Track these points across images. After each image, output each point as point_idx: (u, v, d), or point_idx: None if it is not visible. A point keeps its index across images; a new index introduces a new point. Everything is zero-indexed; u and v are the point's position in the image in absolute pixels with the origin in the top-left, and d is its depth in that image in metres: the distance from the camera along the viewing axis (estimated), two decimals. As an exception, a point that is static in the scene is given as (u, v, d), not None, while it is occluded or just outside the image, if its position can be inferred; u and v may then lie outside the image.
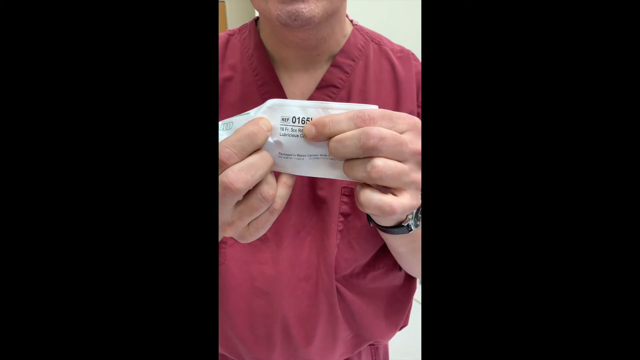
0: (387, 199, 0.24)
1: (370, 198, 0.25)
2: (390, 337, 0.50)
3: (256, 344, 0.44)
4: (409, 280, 0.49)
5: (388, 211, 0.24)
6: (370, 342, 0.48)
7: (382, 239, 0.41)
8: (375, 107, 0.25)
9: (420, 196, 0.26)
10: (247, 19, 0.45)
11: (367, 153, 0.24)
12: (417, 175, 0.25)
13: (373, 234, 0.41)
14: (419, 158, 0.25)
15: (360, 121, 0.24)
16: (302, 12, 0.31)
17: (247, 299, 0.42)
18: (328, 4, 0.33)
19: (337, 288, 0.43)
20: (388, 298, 0.47)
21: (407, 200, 0.25)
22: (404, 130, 0.24)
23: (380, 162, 0.23)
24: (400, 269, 0.46)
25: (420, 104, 0.42)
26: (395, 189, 0.25)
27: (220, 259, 0.42)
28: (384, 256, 0.44)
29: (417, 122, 0.25)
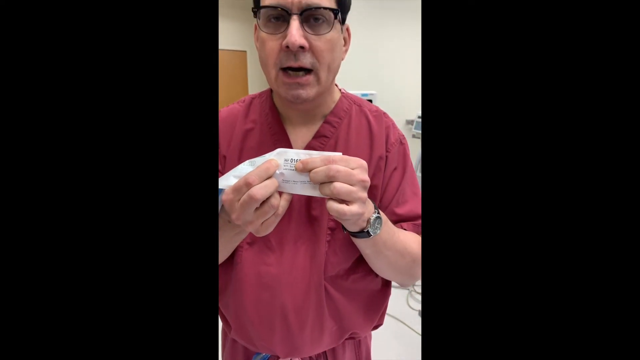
0: (342, 206, 0.40)
1: (333, 206, 0.40)
2: (366, 331, 0.62)
3: (261, 328, 0.56)
4: (385, 286, 0.62)
5: (342, 213, 0.39)
6: (350, 333, 0.60)
7: (358, 249, 0.55)
8: (340, 154, 0.40)
9: (364, 206, 0.41)
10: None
11: (330, 179, 0.39)
12: (362, 194, 0.40)
13: (352, 244, 0.55)
14: (364, 184, 0.40)
15: (327, 161, 0.39)
16: (301, 95, 0.49)
17: (256, 291, 0.56)
18: (319, 88, 0.50)
19: (325, 286, 0.56)
20: (366, 299, 0.60)
21: (355, 209, 0.40)
22: (354, 167, 0.40)
23: (338, 185, 0.39)
24: (376, 275, 0.60)
25: (388, 149, 0.58)
26: (348, 201, 0.40)
27: (237, 260, 0.57)
28: (362, 264, 0.58)
29: (364, 162, 0.41)
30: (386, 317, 1.90)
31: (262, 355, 0.62)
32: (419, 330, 1.81)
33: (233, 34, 3.37)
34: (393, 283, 0.63)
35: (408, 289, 2.15)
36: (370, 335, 0.71)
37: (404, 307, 2.03)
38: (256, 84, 3.61)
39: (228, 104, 0.62)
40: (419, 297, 2.13)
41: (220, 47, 3.30)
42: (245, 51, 3.48)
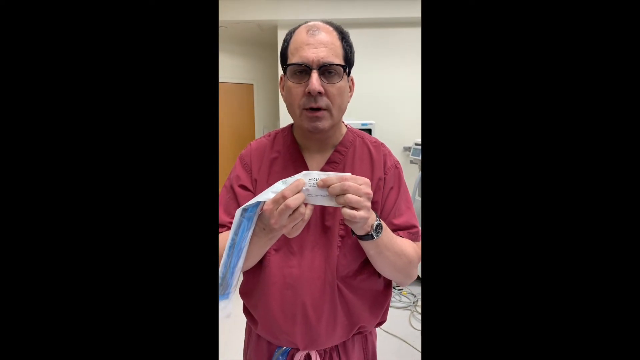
0: (353, 212, 0.53)
1: (346, 212, 0.53)
2: (372, 325, 0.73)
3: (285, 322, 0.67)
4: (387, 287, 0.74)
5: (353, 216, 0.52)
6: (359, 327, 0.71)
7: (364, 253, 0.67)
8: (350, 174, 0.54)
9: (369, 213, 0.54)
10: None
11: (343, 192, 0.52)
12: (367, 203, 0.53)
13: (358, 250, 0.67)
14: (368, 196, 0.53)
15: (341, 179, 0.53)
16: (319, 126, 0.63)
17: (281, 290, 0.67)
18: (332, 121, 0.65)
19: (337, 285, 0.68)
20: (371, 297, 0.71)
21: (362, 214, 0.53)
22: (361, 183, 0.53)
23: (349, 196, 0.52)
24: (379, 276, 0.71)
25: (385, 172, 0.72)
26: (357, 208, 0.53)
27: (265, 263, 0.69)
28: (367, 266, 0.70)
29: (368, 180, 0.54)
30: (389, 337, 1.98)
31: (283, 349, 0.73)
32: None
33: (241, 69, 3.62)
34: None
35: (410, 309, 2.23)
36: (375, 334, 0.82)
37: (407, 328, 2.09)
38: (262, 113, 3.82)
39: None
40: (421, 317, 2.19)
41: (229, 80, 3.54)
42: (252, 84, 3.71)
